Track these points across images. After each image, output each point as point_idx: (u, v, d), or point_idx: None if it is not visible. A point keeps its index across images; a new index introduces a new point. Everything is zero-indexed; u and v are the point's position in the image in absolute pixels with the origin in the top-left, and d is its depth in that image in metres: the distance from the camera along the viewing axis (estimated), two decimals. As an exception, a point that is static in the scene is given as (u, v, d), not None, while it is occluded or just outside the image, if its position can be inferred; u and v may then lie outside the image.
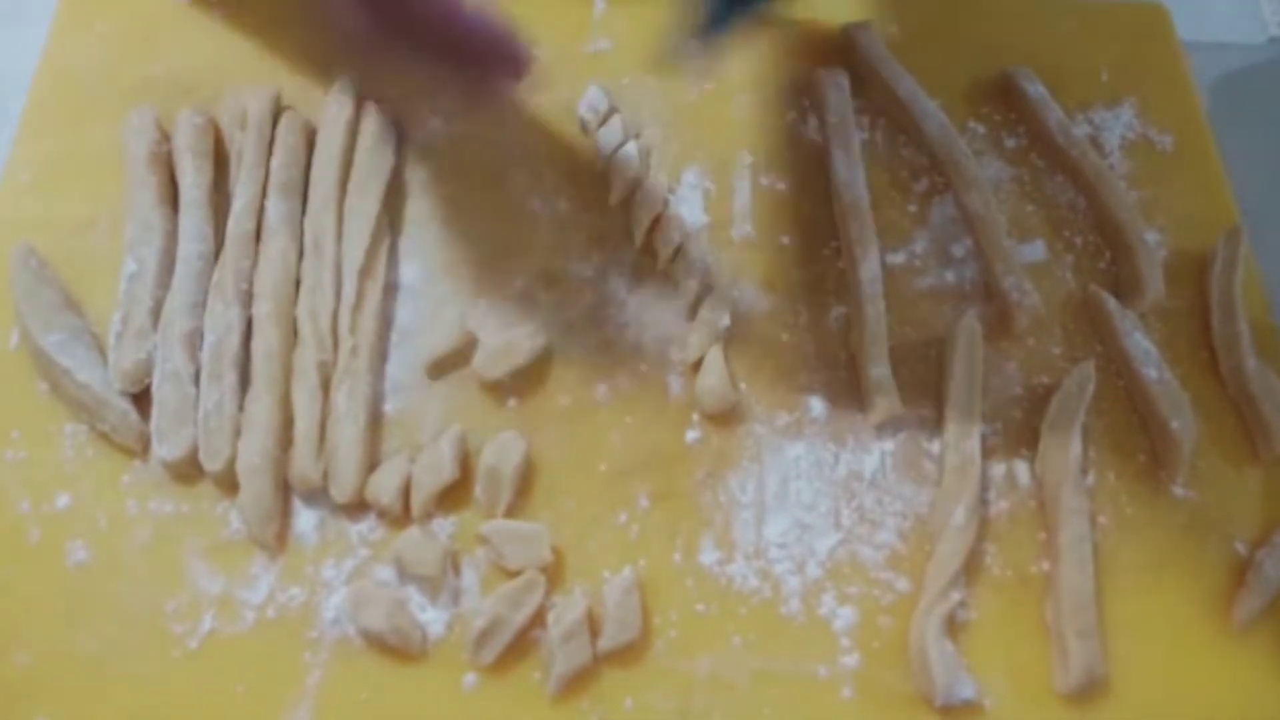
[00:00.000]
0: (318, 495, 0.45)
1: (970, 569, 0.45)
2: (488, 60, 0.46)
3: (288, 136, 0.51)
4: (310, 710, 0.41)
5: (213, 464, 0.44)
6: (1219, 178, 0.56)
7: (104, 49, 0.54)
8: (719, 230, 0.52)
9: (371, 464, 0.45)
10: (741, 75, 0.57)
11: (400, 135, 0.53)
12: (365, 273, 0.48)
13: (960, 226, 0.53)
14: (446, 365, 0.48)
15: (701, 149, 0.54)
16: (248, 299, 0.47)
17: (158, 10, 0.56)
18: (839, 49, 0.58)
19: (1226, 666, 0.44)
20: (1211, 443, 0.49)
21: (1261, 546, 0.46)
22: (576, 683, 0.42)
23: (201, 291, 0.47)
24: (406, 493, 0.45)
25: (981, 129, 0.56)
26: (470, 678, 0.42)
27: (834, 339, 0.50)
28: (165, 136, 0.50)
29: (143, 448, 0.45)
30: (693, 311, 0.49)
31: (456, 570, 0.44)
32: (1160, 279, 0.51)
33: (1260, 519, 0.47)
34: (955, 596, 0.44)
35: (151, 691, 0.41)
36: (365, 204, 0.49)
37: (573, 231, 0.52)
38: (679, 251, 0.51)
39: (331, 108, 0.52)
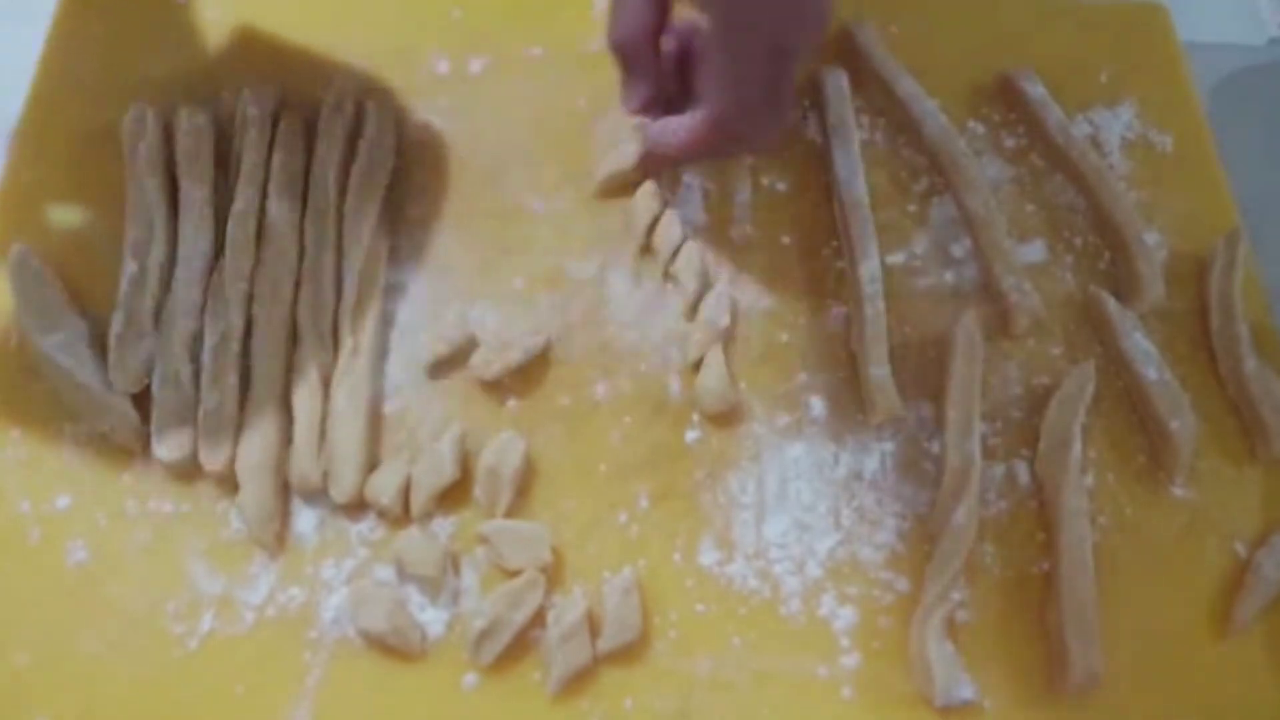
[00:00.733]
0: (318, 495, 0.45)
1: (970, 569, 0.45)
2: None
3: (288, 136, 0.51)
4: (310, 710, 0.41)
5: (213, 464, 0.44)
6: (1219, 178, 0.56)
7: (104, 49, 0.54)
8: (719, 230, 0.52)
9: (371, 464, 0.45)
10: (741, 75, 0.57)
11: (400, 135, 0.53)
12: (365, 273, 0.48)
13: (960, 227, 0.53)
14: (446, 365, 0.48)
15: (701, 149, 0.54)
16: (248, 299, 0.47)
17: (158, 10, 0.56)
18: (839, 49, 0.58)
19: (1226, 667, 0.44)
20: (1211, 443, 0.49)
21: (1261, 547, 0.46)
22: (576, 683, 0.42)
23: (202, 292, 0.47)
24: (406, 493, 0.45)
25: (981, 129, 0.56)
26: (470, 678, 0.42)
27: (834, 339, 0.50)
28: (165, 136, 0.50)
29: (143, 448, 0.45)
30: (692, 311, 0.49)
31: (456, 570, 0.44)
32: (1160, 279, 0.51)
33: (1260, 519, 0.47)
34: (955, 596, 0.44)
35: (151, 691, 0.41)
36: (365, 204, 0.49)
37: (573, 231, 0.52)
38: (679, 251, 0.51)
39: (331, 107, 0.52)
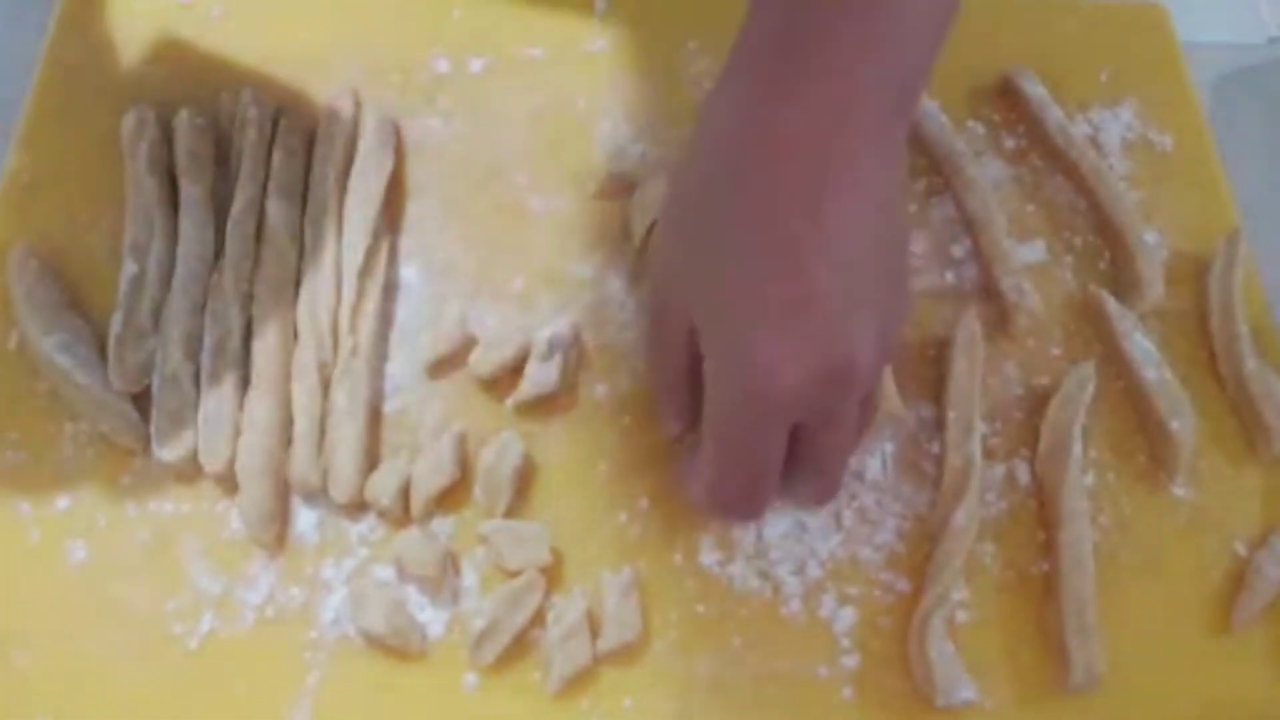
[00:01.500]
0: (317, 495, 0.45)
1: (970, 569, 0.45)
2: None
3: (288, 137, 0.51)
4: (310, 710, 0.41)
5: (212, 464, 0.44)
6: (1219, 178, 0.55)
7: (104, 49, 0.54)
8: (719, 230, 0.52)
9: (371, 464, 0.45)
10: (741, 75, 0.57)
11: (400, 135, 0.53)
12: (365, 273, 0.48)
13: (960, 227, 0.53)
14: (446, 365, 0.48)
15: (701, 149, 0.54)
16: (248, 300, 0.47)
17: (158, 10, 0.56)
18: (839, 49, 0.58)
19: (1226, 667, 0.44)
20: (1211, 443, 0.49)
21: (1261, 547, 0.46)
22: (576, 683, 0.42)
23: (201, 292, 0.47)
24: (406, 493, 0.45)
25: (981, 129, 0.56)
26: (470, 678, 0.42)
27: (834, 339, 0.50)
28: (165, 137, 0.50)
29: (143, 448, 0.45)
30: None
31: (456, 570, 0.44)
32: (1160, 279, 0.51)
33: (1260, 519, 0.47)
34: (955, 596, 0.44)
35: (151, 691, 0.41)
36: (365, 204, 0.49)
37: (573, 231, 0.52)
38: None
39: (331, 108, 0.52)
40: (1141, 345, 0.49)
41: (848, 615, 0.44)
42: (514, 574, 0.43)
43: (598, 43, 0.57)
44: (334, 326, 0.47)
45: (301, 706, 0.41)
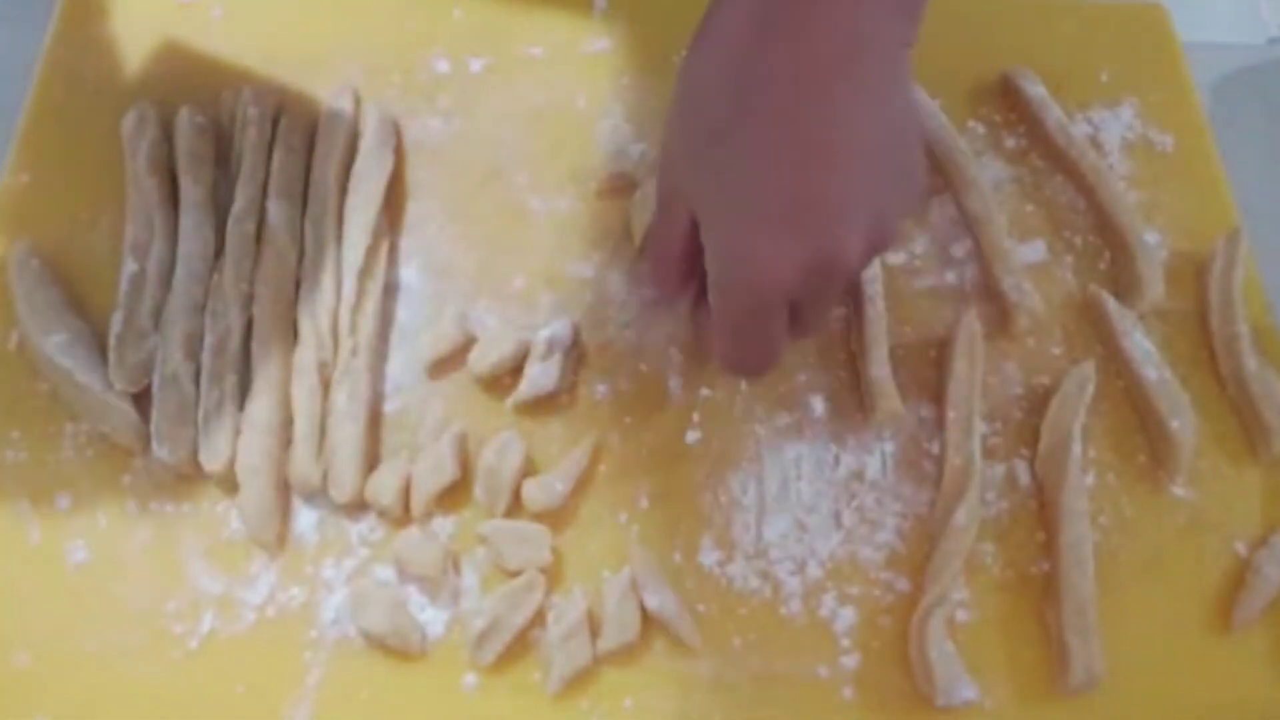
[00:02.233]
0: (317, 495, 0.45)
1: (970, 569, 0.45)
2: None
3: (288, 137, 0.51)
4: (310, 710, 0.41)
5: (213, 464, 0.44)
6: (1219, 178, 0.56)
7: (104, 49, 0.54)
8: (719, 230, 0.52)
9: (371, 464, 0.45)
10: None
11: (400, 135, 0.53)
12: (365, 273, 0.48)
13: (960, 227, 0.53)
14: (446, 365, 0.48)
15: (701, 149, 0.54)
16: (248, 300, 0.47)
17: (158, 10, 0.56)
18: (839, 49, 0.58)
19: (1226, 667, 0.44)
20: (1211, 443, 0.49)
21: (1261, 547, 0.46)
22: (576, 683, 0.42)
23: (202, 292, 0.47)
24: (406, 493, 0.45)
25: (981, 129, 0.56)
26: (470, 678, 0.42)
27: (834, 339, 0.50)
28: (165, 136, 0.50)
29: (143, 448, 0.45)
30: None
31: (457, 570, 0.44)
32: (1160, 279, 0.51)
33: (1260, 519, 0.47)
34: (955, 596, 0.44)
35: (151, 691, 0.41)
36: (365, 204, 0.49)
37: (573, 231, 0.52)
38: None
39: (331, 108, 0.52)
40: (1141, 345, 0.49)
41: (848, 615, 0.44)
42: (514, 574, 0.43)
43: (598, 43, 0.57)
44: (334, 326, 0.47)
45: (301, 706, 0.41)
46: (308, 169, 0.51)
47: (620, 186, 0.52)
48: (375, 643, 0.42)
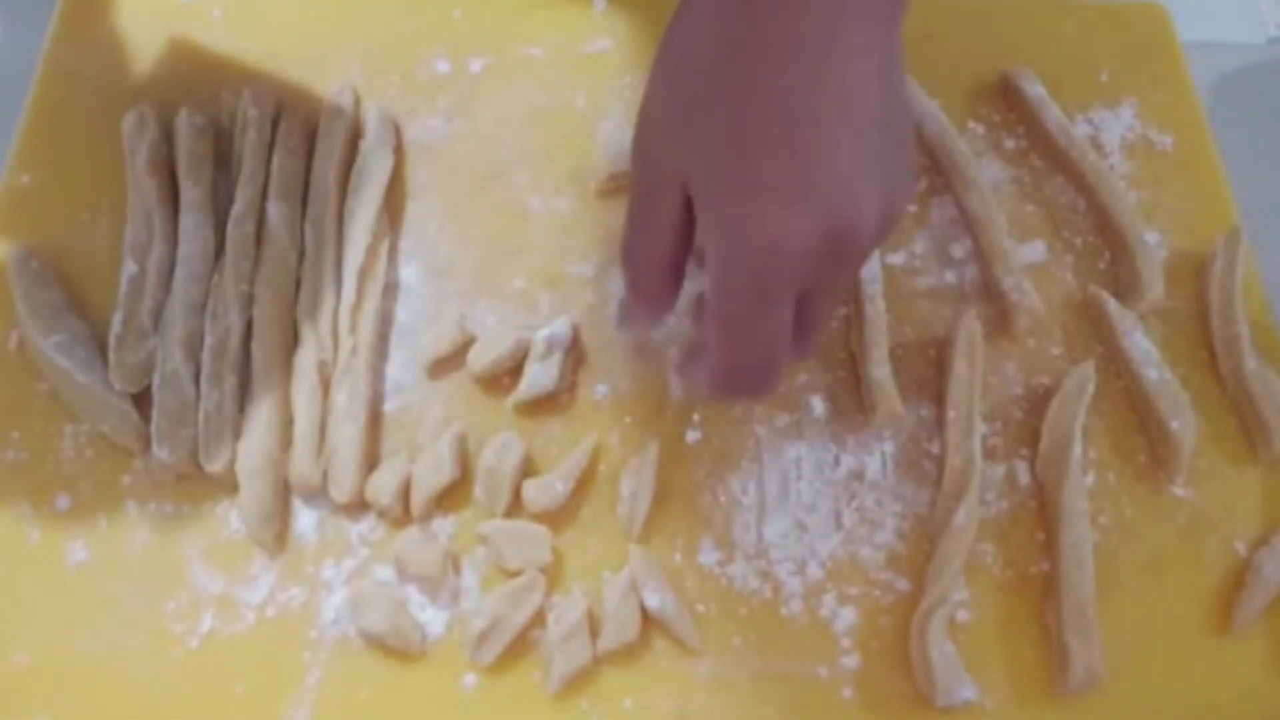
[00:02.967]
0: (317, 495, 0.45)
1: (970, 569, 0.45)
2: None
3: (288, 137, 0.51)
4: (310, 710, 0.41)
5: (213, 465, 0.44)
6: (1219, 178, 0.56)
7: (104, 49, 0.54)
8: (719, 230, 0.52)
9: (371, 464, 0.45)
10: (741, 75, 0.57)
11: (400, 135, 0.53)
12: (365, 273, 0.48)
13: (960, 227, 0.53)
14: (446, 365, 0.48)
15: (701, 149, 0.54)
16: (248, 300, 0.47)
17: (158, 10, 0.56)
18: (839, 49, 0.58)
19: (1226, 667, 0.44)
20: (1211, 443, 0.49)
21: (1261, 547, 0.46)
22: (576, 683, 0.42)
23: (202, 292, 0.47)
24: (406, 493, 0.45)
25: (981, 129, 0.56)
26: (470, 678, 0.42)
27: (834, 339, 0.50)
28: (165, 137, 0.50)
29: (143, 448, 0.45)
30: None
31: (456, 570, 0.44)
32: (1160, 279, 0.51)
33: (1260, 519, 0.47)
34: (955, 596, 0.44)
35: (151, 691, 0.41)
36: (365, 204, 0.49)
37: (573, 231, 0.52)
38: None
39: (331, 108, 0.52)
40: (1141, 345, 0.49)
41: (848, 615, 0.44)
42: (514, 574, 0.43)
43: (598, 42, 0.57)
44: (334, 326, 0.47)
45: (301, 706, 0.41)
46: (308, 169, 0.51)
47: (620, 186, 0.52)
48: (375, 643, 0.42)
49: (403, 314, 0.49)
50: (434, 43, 0.56)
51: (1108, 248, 0.53)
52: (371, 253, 0.49)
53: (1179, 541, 0.46)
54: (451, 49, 0.56)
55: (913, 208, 0.54)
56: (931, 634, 0.42)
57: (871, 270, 0.50)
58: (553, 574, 0.44)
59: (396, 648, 0.42)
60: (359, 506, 0.45)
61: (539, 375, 0.46)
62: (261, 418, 0.45)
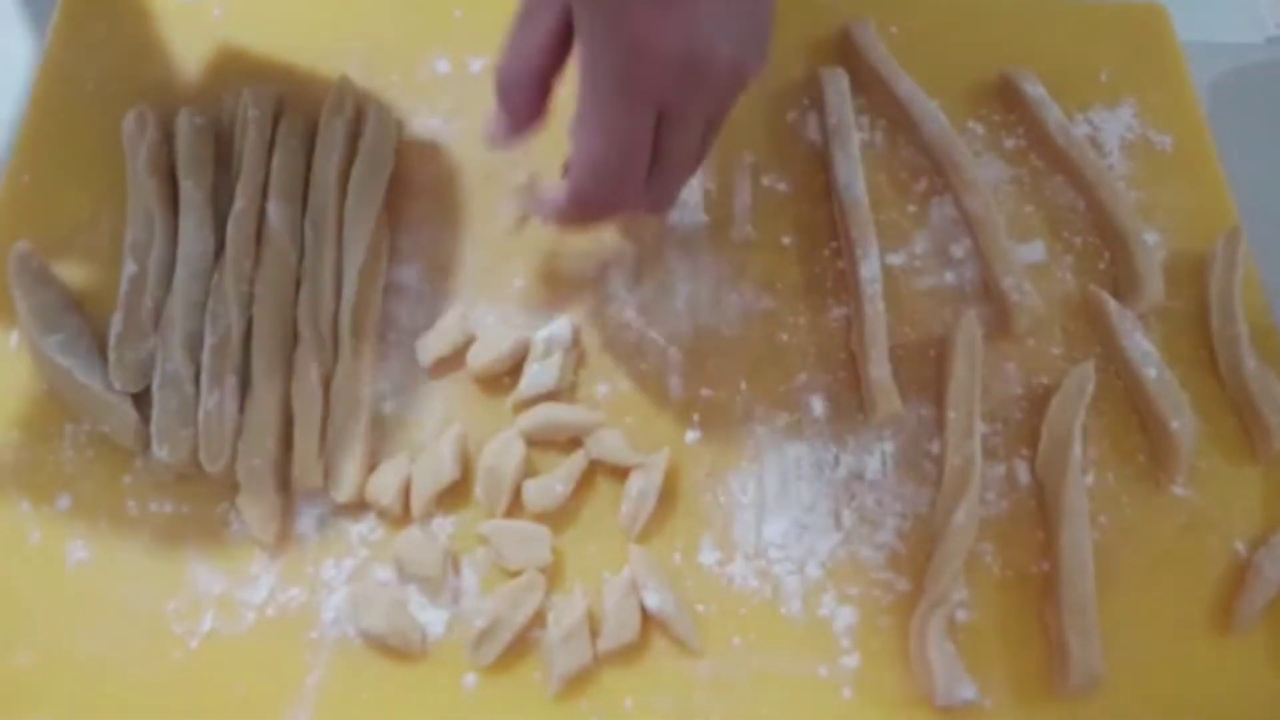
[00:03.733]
0: (318, 495, 0.45)
1: (970, 569, 0.45)
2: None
3: (288, 137, 0.51)
4: (310, 710, 0.41)
5: (213, 464, 0.44)
6: (1219, 178, 0.56)
7: (104, 49, 0.54)
8: (719, 230, 0.52)
9: (371, 464, 0.45)
10: (741, 75, 0.57)
11: (400, 135, 0.53)
12: (365, 273, 0.48)
13: (960, 227, 0.53)
14: (446, 365, 0.48)
15: (701, 149, 0.54)
16: (248, 300, 0.47)
17: (158, 11, 0.56)
18: (839, 49, 0.58)
19: (1226, 666, 0.44)
20: (1211, 443, 0.49)
21: (1261, 547, 0.46)
22: (576, 683, 0.42)
23: (202, 292, 0.47)
24: (406, 493, 0.45)
25: (981, 129, 0.56)
26: (470, 678, 0.42)
27: (834, 339, 0.50)
28: (165, 137, 0.50)
29: (143, 448, 0.45)
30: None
31: (456, 570, 0.44)
32: (1160, 279, 0.51)
33: (1260, 519, 0.47)
34: (955, 596, 0.44)
35: (151, 691, 0.41)
36: (365, 204, 0.49)
37: (573, 231, 0.51)
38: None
39: (331, 108, 0.52)
40: (1141, 345, 0.49)
41: (847, 615, 0.44)
42: (514, 574, 0.43)
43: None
44: (334, 326, 0.47)
45: (301, 706, 0.41)
46: (308, 169, 0.51)
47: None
48: (375, 643, 0.42)
49: (403, 314, 0.49)
50: (434, 43, 0.56)
51: (1108, 248, 0.53)
52: (372, 253, 0.49)
53: (1179, 541, 0.46)
54: (451, 49, 0.56)
55: (913, 207, 0.54)
56: (931, 634, 0.42)
57: (871, 270, 0.50)
58: (553, 574, 0.44)
59: (396, 648, 0.42)
60: (359, 506, 0.45)
61: (539, 375, 0.47)
62: (261, 418, 0.45)
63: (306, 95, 0.53)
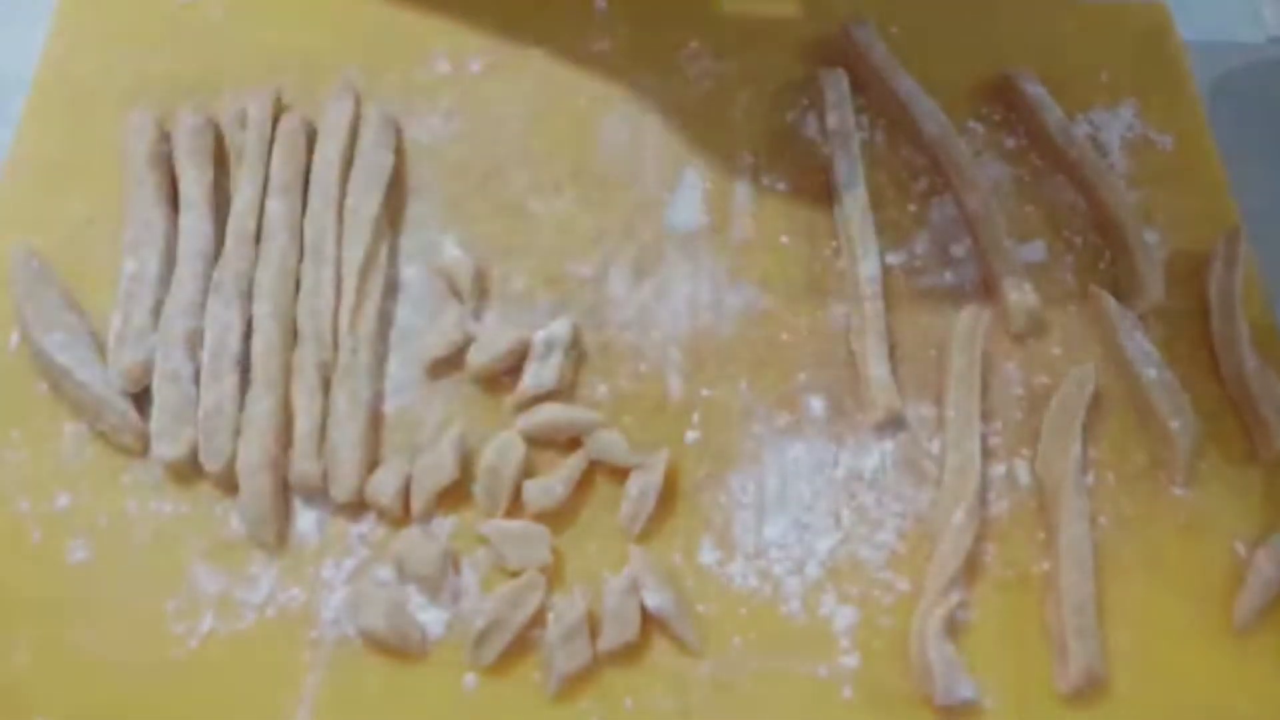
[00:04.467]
0: (318, 495, 0.45)
1: (970, 569, 0.45)
2: None
3: (288, 136, 0.51)
4: (310, 710, 0.41)
5: (213, 464, 0.44)
6: (1219, 178, 0.56)
7: (104, 49, 0.54)
8: (719, 230, 0.52)
9: (371, 464, 0.45)
10: (741, 75, 0.57)
11: (400, 135, 0.53)
12: (365, 273, 0.48)
13: (960, 226, 0.53)
14: (446, 365, 0.48)
15: (701, 149, 0.54)
16: (248, 299, 0.47)
17: (158, 10, 0.56)
18: (839, 49, 0.58)
19: (1226, 666, 0.44)
20: (1211, 443, 0.49)
21: (1261, 547, 0.46)
22: (576, 683, 0.42)
23: (201, 291, 0.47)
24: (406, 493, 0.45)
25: (981, 129, 0.56)
26: (470, 678, 0.42)
27: (834, 339, 0.50)
28: (165, 136, 0.50)
29: (143, 448, 0.45)
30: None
31: (456, 570, 0.44)
32: (1160, 279, 0.51)
33: (1260, 519, 0.47)
34: (955, 596, 0.44)
35: (151, 691, 0.41)
36: (365, 204, 0.49)
37: (573, 231, 0.52)
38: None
39: (331, 108, 0.52)
40: (1141, 345, 0.49)
41: (847, 615, 0.44)
42: (514, 574, 0.43)
43: (598, 42, 0.57)
44: (334, 326, 0.47)
45: (301, 706, 0.41)
46: (308, 168, 0.51)
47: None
48: (375, 643, 0.42)
49: (403, 314, 0.49)
50: (434, 43, 0.56)
51: (1108, 248, 0.53)
52: (371, 253, 0.49)
53: (1179, 541, 0.46)
54: (451, 49, 0.56)
55: (913, 207, 0.54)
56: (931, 634, 0.42)
57: (871, 270, 0.50)
58: (553, 574, 0.44)
59: (396, 648, 0.42)
60: (359, 506, 0.45)
61: (539, 375, 0.47)
62: (261, 417, 0.45)
63: (306, 94, 0.53)
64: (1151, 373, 0.48)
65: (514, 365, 0.48)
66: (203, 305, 0.47)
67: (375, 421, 0.46)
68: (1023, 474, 0.47)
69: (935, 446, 0.48)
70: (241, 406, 0.45)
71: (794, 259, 0.52)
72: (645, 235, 0.52)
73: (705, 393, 0.48)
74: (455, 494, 0.45)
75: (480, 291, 0.50)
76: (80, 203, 0.50)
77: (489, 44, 0.56)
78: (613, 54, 0.57)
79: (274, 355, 0.46)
